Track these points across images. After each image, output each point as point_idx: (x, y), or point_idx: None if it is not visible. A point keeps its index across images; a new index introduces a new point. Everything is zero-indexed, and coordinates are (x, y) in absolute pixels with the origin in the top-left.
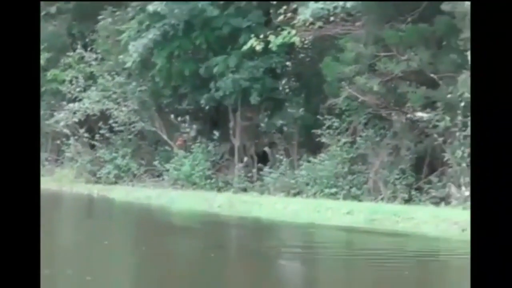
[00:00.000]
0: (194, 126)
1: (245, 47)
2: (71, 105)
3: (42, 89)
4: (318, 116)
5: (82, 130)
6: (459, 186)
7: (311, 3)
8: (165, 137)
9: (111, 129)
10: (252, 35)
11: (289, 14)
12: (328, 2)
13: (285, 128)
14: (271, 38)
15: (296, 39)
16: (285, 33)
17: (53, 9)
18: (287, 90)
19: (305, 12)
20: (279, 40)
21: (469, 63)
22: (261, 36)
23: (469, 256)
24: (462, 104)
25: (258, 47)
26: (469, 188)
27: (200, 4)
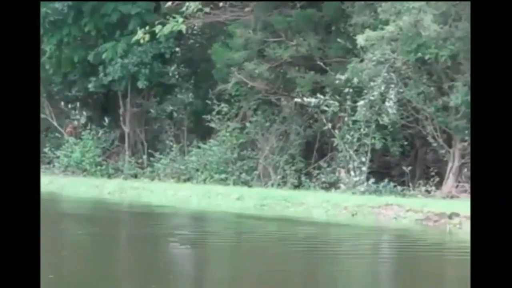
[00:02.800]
0: (84, 113)
1: (133, 39)
2: None
3: None
4: (207, 102)
5: None
6: (348, 171)
7: None
8: (55, 124)
9: None
10: (139, 26)
11: (177, 1)
12: None
13: (175, 114)
14: (158, 28)
15: (183, 27)
16: (172, 22)
17: None
18: (176, 76)
19: None
20: (167, 29)
21: (358, 48)
22: (147, 27)
23: (357, 240)
24: (351, 89)
25: (144, 40)
26: (357, 173)
27: None
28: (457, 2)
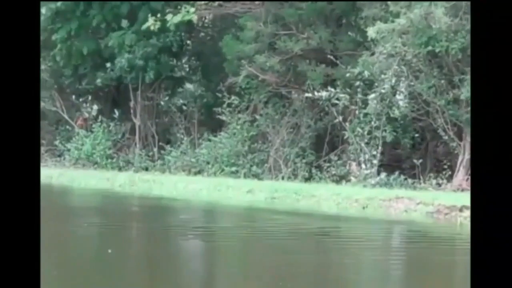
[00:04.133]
0: (95, 106)
1: (143, 27)
2: None
3: None
4: (218, 95)
5: None
6: (359, 164)
7: None
8: (66, 116)
9: None
10: (150, 14)
11: None
12: None
13: (185, 107)
14: (169, 17)
15: (194, 17)
16: (183, 11)
17: None
18: (187, 69)
19: None
20: (177, 18)
21: (369, 41)
22: (159, 15)
23: (369, 234)
24: (361, 83)
25: (155, 27)
26: (368, 166)
27: None
28: None
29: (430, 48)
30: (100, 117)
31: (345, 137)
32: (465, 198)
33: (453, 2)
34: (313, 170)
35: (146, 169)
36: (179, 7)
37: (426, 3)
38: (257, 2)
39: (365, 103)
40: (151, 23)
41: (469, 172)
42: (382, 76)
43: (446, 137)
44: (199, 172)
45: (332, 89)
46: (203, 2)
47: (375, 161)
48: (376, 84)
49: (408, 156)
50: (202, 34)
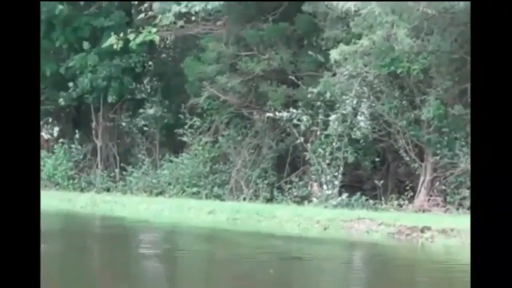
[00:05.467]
0: (56, 127)
1: (104, 45)
2: None
3: None
4: (180, 116)
5: None
6: (320, 185)
7: (173, 3)
8: None
9: None
10: (113, 33)
11: (150, 13)
12: (189, 4)
13: (146, 128)
14: (131, 36)
15: (156, 38)
16: (145, 32)
17: None
18: (148, 90)
19: (166, 11)
20: (140, 38)
21: (330, 62)
22: (121, 34)
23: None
24: (323, 103)
25: (117, 46)
26: (330, 187)
27: (60, 4)
28: (430, 15)
29: (392, 69)
30: (61, 138)
31: (306, 158)
32: (427, 219)
33: (416, 24)
34: (275, 191)
35: (108, 190)
36: (140, 28)
37: (388, 25)
38: (218, 23)
39: (326, 124)
40: (113, 41)
41: (430, 193)
42: (344, 97)
43: (408, 158)
44: (160, 193)
45: (294, 110)
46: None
47: (336, 182)
48: (337, 105)
49: (369, 177)
50: (164, 55)
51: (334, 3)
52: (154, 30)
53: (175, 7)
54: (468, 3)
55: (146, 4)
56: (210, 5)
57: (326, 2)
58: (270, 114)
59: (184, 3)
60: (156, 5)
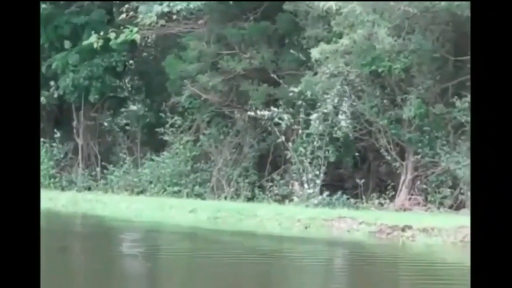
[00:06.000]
0: None
1: (85, 43)
2: None
3: None
4: (161, 115)
5: None
6: (301, 184)
7: (154, 3)
8: None
9: None
10: (93, 32)
11: (131, 13)
12: (171, 4)
13: (128, 127)
14: (112, 35)
15: (137, 37)
16: (126, 31)
17: None
18: (130, 89)
19: (148, 11)
20: (121, 38)
21: (312, 61)
22: (102, 33)
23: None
24: (304, 102)
25: (98, 45)
26: (311, 186)
27: (43, 3)
28: (411, 14)
29: (373, 68)
30: (42, 137)
31: (287, 157)
32: (408, 218)
33: (397, 22)
34: (256, 190)
35: (89, 188)
36: (121, 27)
37: (369, 24)
38: (199, 22)
39: (307, 122)
40: (94, 40)
41: (411, 192)
42: (325, 96)
43: (389, 157)
44: (141, 192)
45: (275, 109)
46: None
47: (317, 181)
48: (318, 103)
49: (350, 176)
50: (145, 54)
51: (315, 2)
52: (135, 29)
53: (157, 7)
54: (449, 2)
55: (127, 5)
56: (192, 4)
57: (307, 2)
58: (251, 113)
59: (166, 2)
60: (137, 4)
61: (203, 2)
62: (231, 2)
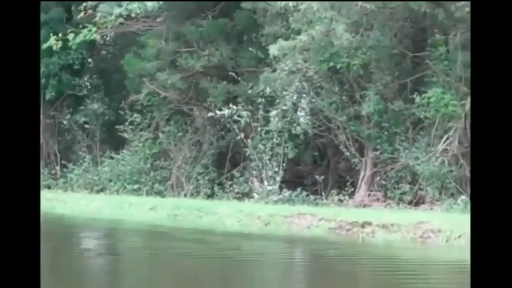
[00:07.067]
0: None
1: (44, 46)
2: None
3: None
4: (120, 112)
5: None
6: (261, 181)
7: (114, 4)
8: None
9: None
10: (52, 33)
11: (89, 11)
12: (129, 6)
13: (87, 125)
14: (70, 36)
15: (97, 37)
16: (85, 31)
17: None
18: (89, 87)
19: (107, 12)
20: (80, 38)
21: (270, 57)
22: (60, 34)
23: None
24: (263, 99)
25: (57, 47)
26: (271, 182)
27: None
28: (369, 10)
29: (331, 64)
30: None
31: (247, 154)
32: (367, 214)
33: (355, 19)
34: (216, 187)
35: (49, 187)
36: (80, 26)
37: (327, 20)
38: (158, 20)
39: (266, 119)
40: (52, 42)
41: (371, 188)
42: (284, 92)
43: (348, 153)
44: (101, 190)
45: (234, 106)
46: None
47: (277, 178)
48: (277, 100)
49: (310, 172)
50: (104, 52)
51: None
52: (94, 29)
53: (117, 9)
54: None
55: (85, 3)
56: (150, 3)
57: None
58: (211, 111)
59: (125, 4)
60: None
61: (161, 1)
62: None
